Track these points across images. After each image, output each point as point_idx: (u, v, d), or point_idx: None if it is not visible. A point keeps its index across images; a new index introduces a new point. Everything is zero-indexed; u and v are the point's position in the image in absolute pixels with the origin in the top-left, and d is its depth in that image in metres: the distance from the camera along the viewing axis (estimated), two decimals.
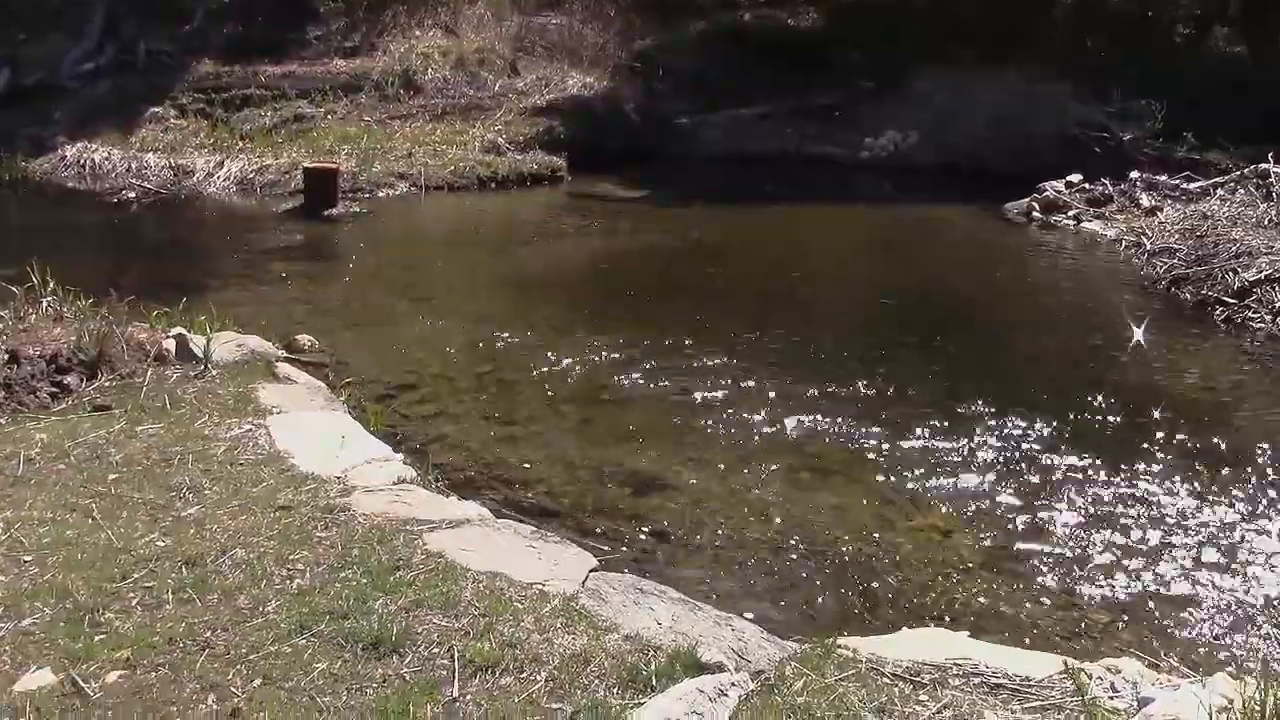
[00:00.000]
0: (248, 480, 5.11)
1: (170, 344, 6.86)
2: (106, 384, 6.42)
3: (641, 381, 7.59)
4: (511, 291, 10.01)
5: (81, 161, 14.41)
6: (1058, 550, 5.43)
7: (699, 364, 7.93)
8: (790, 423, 6.86)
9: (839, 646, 3.96)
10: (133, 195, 13.22)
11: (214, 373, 6.70)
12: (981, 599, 4.97)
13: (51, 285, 7.91)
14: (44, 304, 7.93)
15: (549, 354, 8.10)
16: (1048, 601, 5.00)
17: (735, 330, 8.77)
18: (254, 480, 5.11)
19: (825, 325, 9.09)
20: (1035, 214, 13.25)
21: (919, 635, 4.23)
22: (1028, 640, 4.56)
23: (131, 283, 9.10)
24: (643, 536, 5.49)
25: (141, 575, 4.21)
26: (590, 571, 4.44)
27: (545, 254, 11.60)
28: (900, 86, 16.91)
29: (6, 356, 6.49)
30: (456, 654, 3.75)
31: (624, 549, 5.30)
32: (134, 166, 14.28)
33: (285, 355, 7.64)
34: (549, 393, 7.42)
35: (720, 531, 5.53)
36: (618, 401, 7.31)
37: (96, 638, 3.81)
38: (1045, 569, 5.27)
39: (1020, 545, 5.49)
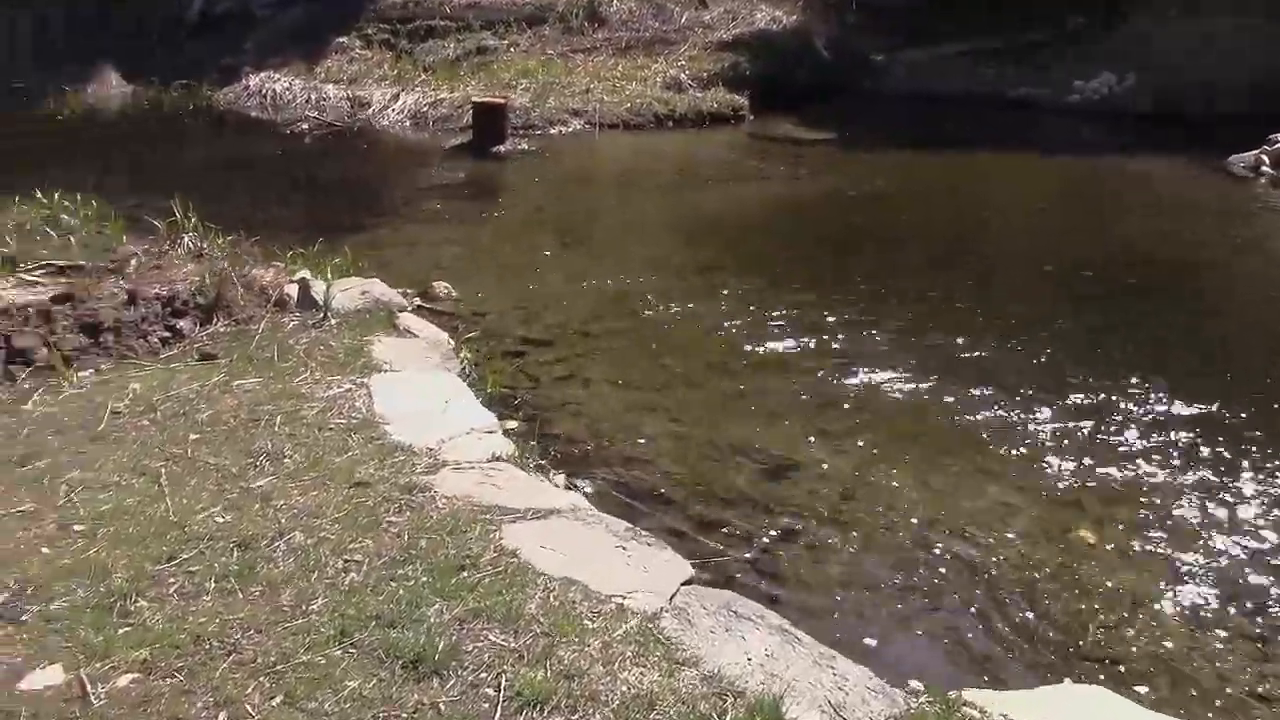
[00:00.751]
0: (332, 448, 4.68)
1: (293, 289, 6.51)
2: (221, 329, 6.14)
3: (797, 349, 6.91)
4: (677, 240, 9.41)
5: (263, 91, 14.42)
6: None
7: (865, 333, 7.20)
8: (955, 403, 6.04)
9: (965, 704, 3.25)
10: (306, 127, 13.06)
11: (333, 322, 6.34)
12: (1163, 644, 4.11)
13: (194, 220, 7.67)
14: (185, 240, 7.70)
15: (704, 311, 7.50)
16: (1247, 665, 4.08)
17: (909, 293, 7.97)
18: (339, 448, 4.68)
19: (1007, 292, 8.17)
20: (1265, 169, 11.74)
21: (1071, 695, 3.50)
22: (1211, 715, 3.72)
23: (281, 219, 8.94)
24: (765, 534, 4.82)
25: (189, 556, 3.84)
26: (682, 585, 3.85)
27: (717, 199, 10.91)
28: (1116, 24, 15.34)
29: (125, 297, 6.23)
30: (505, 682, 3.22)
31: (736, 551, 4.62)
32: (313, 98, 14.21)
33: (417, 304, 7.23)
34: (695, 357, 6.80)
35: (855, 533, 4.82)
36: (767, 369, 6.64)
37: (121, 630, 3.44)
38: (1251, 619, 4.32)
39: (1221, 581, 4.53)
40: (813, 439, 5.68)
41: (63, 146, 12.04)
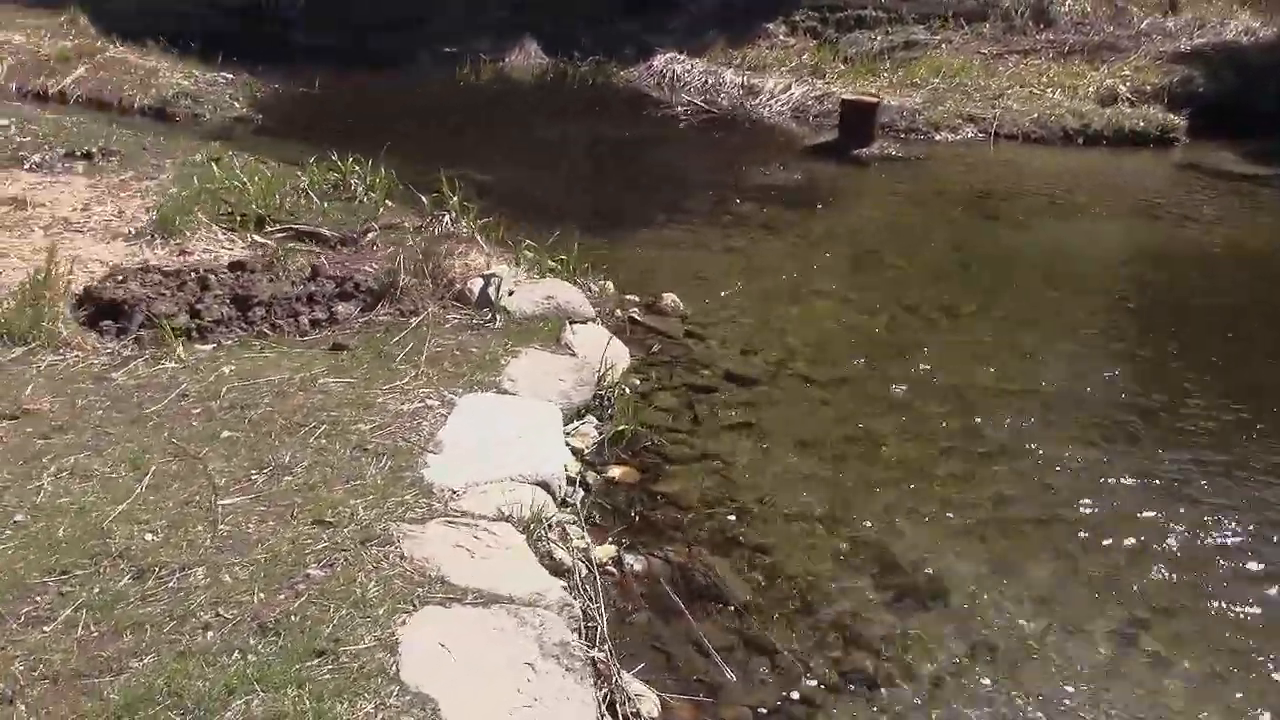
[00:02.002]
0: (348, 473, 4.25)
1: (477, 284, 6.09)
2: (382, 317, 5.85)
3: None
4: (1011, 290, 7.89)
5: (664, 72, 14.27)
6: None
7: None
8: None
9: None
10: (683, 110, 12.73)
11: (499, 324, 5.85)
12: None
13: (456, 199, 7.52)
14: (446, 219, 7.58)
15: (968, 398, 6.09)
16: None
17: None
18: (354, 474, 4.21)
19: None
20: None
21: None
22: None
23: (565, 205, 8.63)
24: (820, 686, 3.78)
25: (78, 575, 3.55)
26: None
27: (1096, 239, 9.21)
28: None
29: (310, 271, 6.11)
30: None
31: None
32: (709, 81, 13.86)
33: (633, 315, 6.62)
34: (940, 455, 5.50)
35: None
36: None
37: None
38: None
39: None
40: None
41: (433, 109, 12.44)
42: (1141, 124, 12.30)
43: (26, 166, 8.23)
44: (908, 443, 5.47)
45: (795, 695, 3.78)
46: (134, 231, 6.78)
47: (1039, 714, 3.68)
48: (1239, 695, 3.79)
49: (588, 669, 3.37)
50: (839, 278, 7.75)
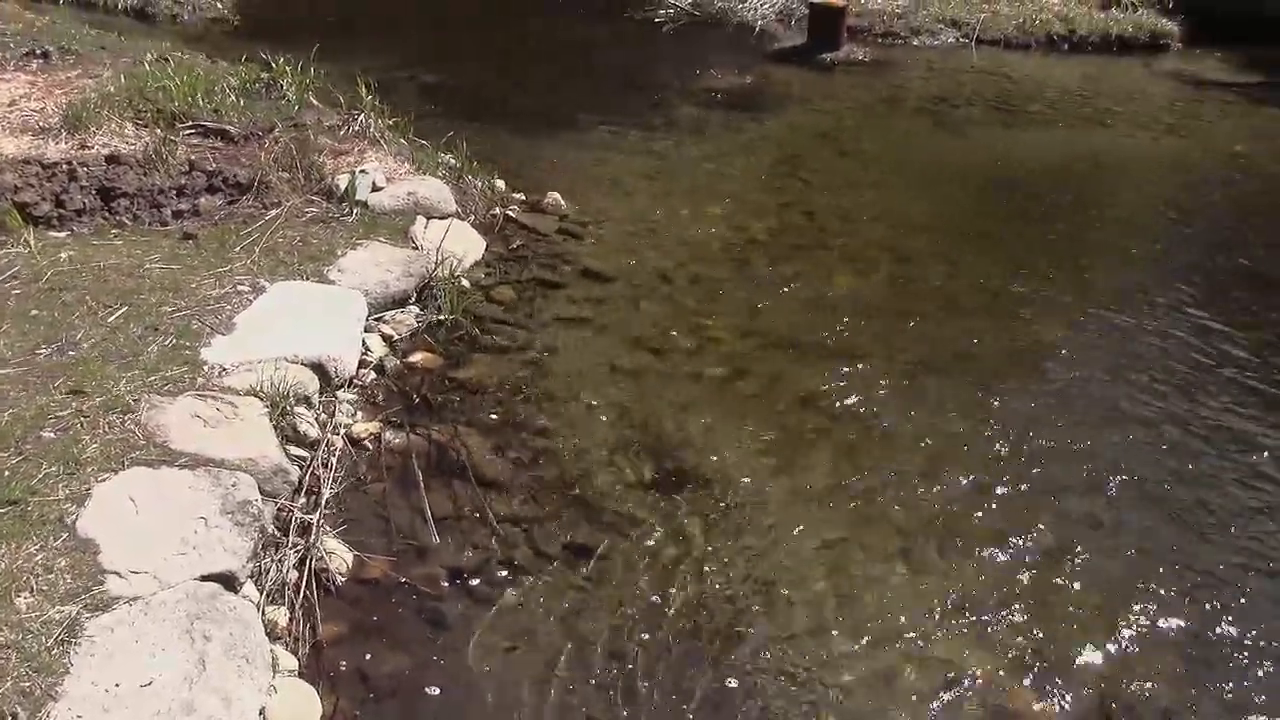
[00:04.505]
0: (130, 351, 4.61)
1: (344, 180, 6.38)
2: (245, 209, 6.14)
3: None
4: (945, 205, 7.85)
5: None
6: None
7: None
8: None
9: None
10: (665, 12, 12.70)
11: (354, 218, 6.13)
12: None
13: (370, 100, 7.75)
14: (360, 119, 7.83)
15: (837, 303, 6.33)
16: None
17: None
18: (134, 352, 4.61)
19: None
20: None
21: None
22: None
23: (496, 109, 8.80)
24: (534, 555, 4.21)
25: None
26: None
27: (1034, 147, 9.12)
28: None
29: (187, 166, 6.44)
30: None
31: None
32: None
33: (511, 212, 6.85)
34: (763, 351, 5.77)
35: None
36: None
37: None
38: None
39: None
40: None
41: (411, 10, 12.52)
42: (1130, 29, 12.04)
43: None
44: (741, 348, 5.67)
45: (501, 562, 4.02)
46: (45, 127, 7.12)
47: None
48: None
49: (257, 525, 3.67)
50: (746, 183, 7.87)
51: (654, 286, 6.14)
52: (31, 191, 5.82)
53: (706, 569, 4.05)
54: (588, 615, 3.82)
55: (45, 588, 3.28)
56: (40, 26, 9.89)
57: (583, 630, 3.75)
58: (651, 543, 4.16)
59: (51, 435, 3.98)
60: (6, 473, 3.74)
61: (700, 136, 8.74)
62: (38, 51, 9.04)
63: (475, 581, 3.93)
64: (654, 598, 3.90)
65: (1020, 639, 3.79)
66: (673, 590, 3.94)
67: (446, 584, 3.90)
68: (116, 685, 2.96)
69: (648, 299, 6.00)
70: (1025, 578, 4.09)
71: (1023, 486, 4.59)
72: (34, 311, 4.84)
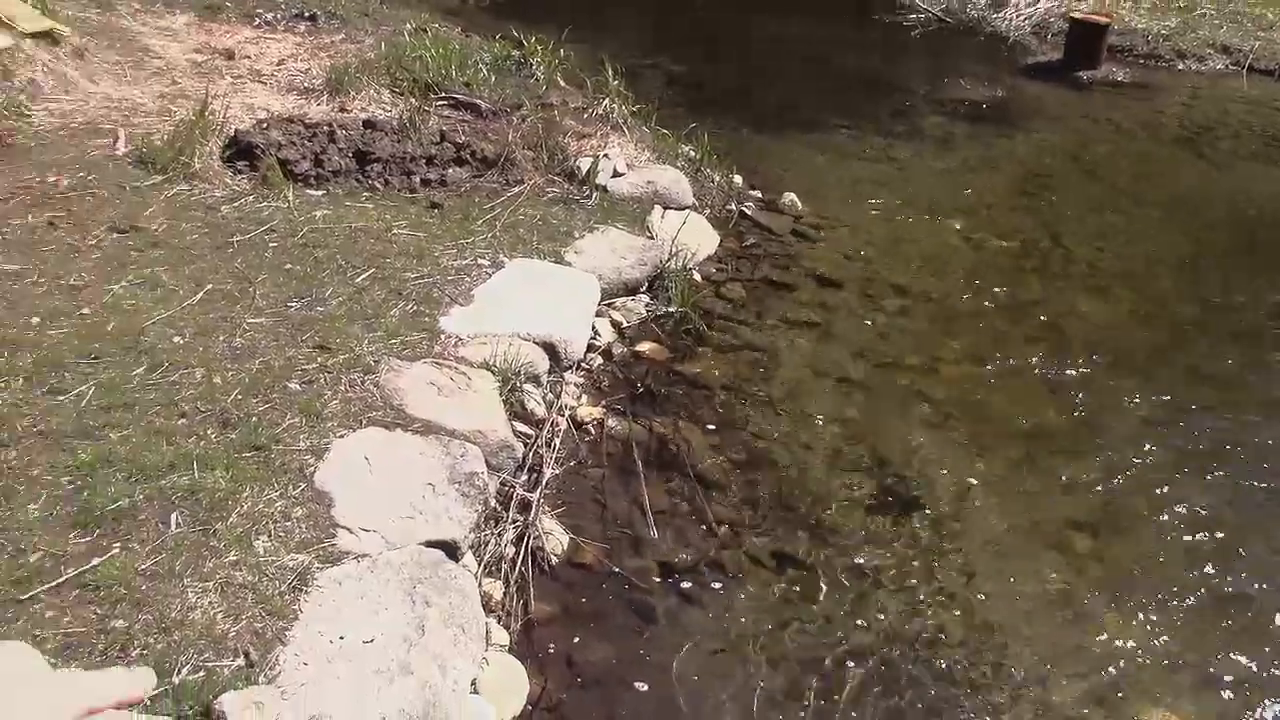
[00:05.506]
0: (373, 312, 4.76)
1: (586, 163, 6.47)
2: (489, 184, 6.29)
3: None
4: (1201, 241, 7.38)
5: None
6: None
7: None
8: None
9: None
10: (916, 17, 12.44)
11: (593, 202, 6.22)
12: None
13: (616, 85, 7.86)
14: (604, 103, 7.94)
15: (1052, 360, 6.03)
16: None
17: None
18: (378, 314, 4.76)
19: None
20: None
21: None
22: None
23: (740, 102, 8.75)
24: (746, 558, 4.15)
25: (101, 362, 4.17)
26: None
27: None
28: None
29: (438, 136, 6.65)
30: None
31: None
32: None
33: (745, 209, 6.83)
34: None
35: None
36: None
37: None
38: None
39: None
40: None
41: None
42: None
43: (255, 23, 9.08)
44: (975, 372, 5.49)
45: (713, 563, 3.99)
46: (309, 88, 7.44)
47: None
48: None
49: (481, 498, 3.72)
50: (988, 200, 7.60)
51: (886, 298, 5.98)
52: (294, 149, 6.05)
53: (921, 598, 3.88)
54: (795, 629, 3.73)
55: (282, 534, 3.38)
56: None
57: (789, 644, 3.67)
58: (863, 562, 4.03)
59: (297, 387, 4.10)
60: (254, 419, 3.88)
61: (944, 148, 8.48)
62: (306, 14, 9.46)
63: (687, 582, 3.88)
64: (860, 621, 3.77)
65: None
66: (881, 616, 3.79)
67: (658, 579, 3.86)
68: (341, 638, 3.02)
69: (879, 311, 5.84)
70: None
71: None
72: (288, 265, 5.02)
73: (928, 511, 4.32)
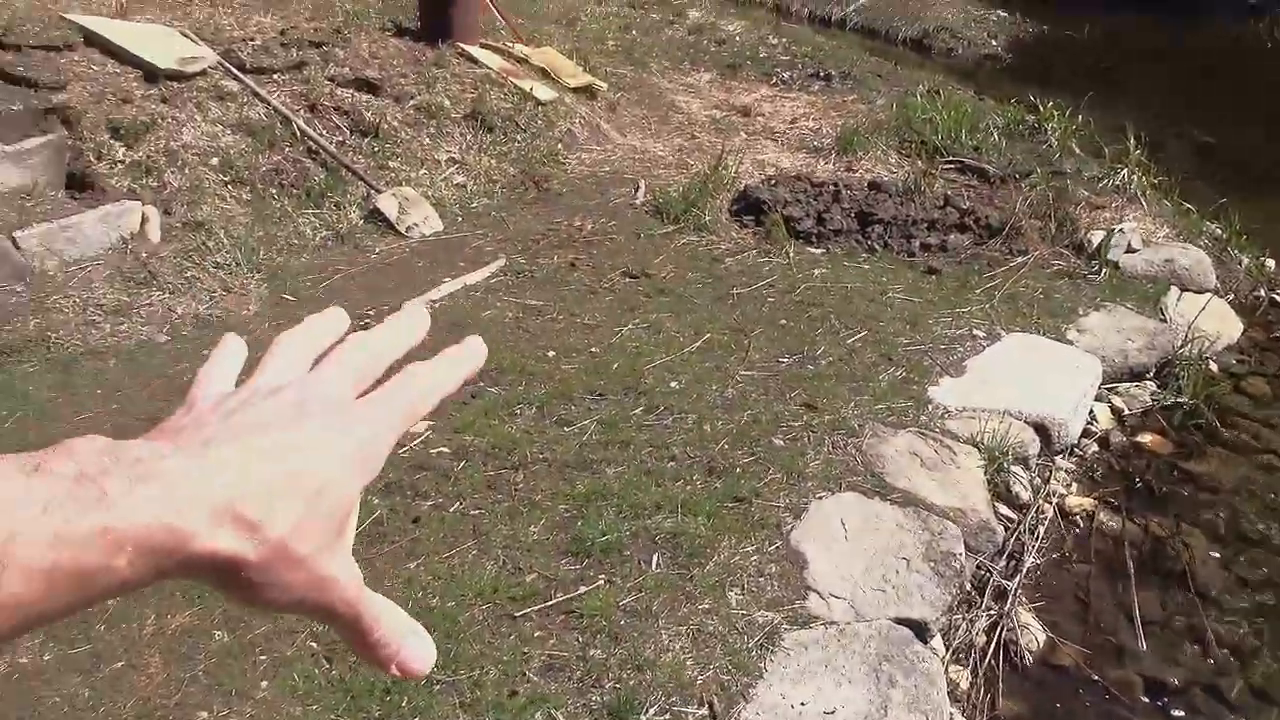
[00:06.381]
0: (862, 375, 4.83)
1: (1097, 236, 6.22)
2: (991, 251, 6.22)
3: None
4: None
5: None
6: None
7: None
8: None
9: None
10: None
11: (1101, 278, 5.97)
12: None
13: (1137, 154, 7.51)
14: (1122, 174, 7.63)
15: None
16: None
17: None
18: (866, 377, 4.80)
19: None
20: None
21: None
22: None
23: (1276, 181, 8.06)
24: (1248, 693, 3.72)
25: (604, 399, 4.51)
26: None
27: None
28: None
29: (942, 200, 6.66)
30: None
31: None
32: None
33: (1276, 296, 6.31)
34: None
35: None
36: None
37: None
38: None
39: None
40: None
41: (1192, 63, 11.68)
42: None
43: (773, 82, 9.48)
44: None
45: (1207, 689, 3.64)
46: (819, 146, 7.64)
47: None
48: None
49: (957, 581, 3.60)
50: None
51: None
52: (798, 207, 6.21)
53: None
54: None
55: (754, 589, 3.43)
56: (827, 50, 10.59)
57: None
58: None
59: (781, 443, 4.17)
60: (738, 470, 3.98)
61: None
62: (821, 74, 9.72)
63: (1178, 708, 3.52)
64: None
65: None
66: None
67: (1144, 697, 3.54)
68: (802, 704, 3.01)
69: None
70: None
71: None
72: (783, 321, 5.14)
73: None
